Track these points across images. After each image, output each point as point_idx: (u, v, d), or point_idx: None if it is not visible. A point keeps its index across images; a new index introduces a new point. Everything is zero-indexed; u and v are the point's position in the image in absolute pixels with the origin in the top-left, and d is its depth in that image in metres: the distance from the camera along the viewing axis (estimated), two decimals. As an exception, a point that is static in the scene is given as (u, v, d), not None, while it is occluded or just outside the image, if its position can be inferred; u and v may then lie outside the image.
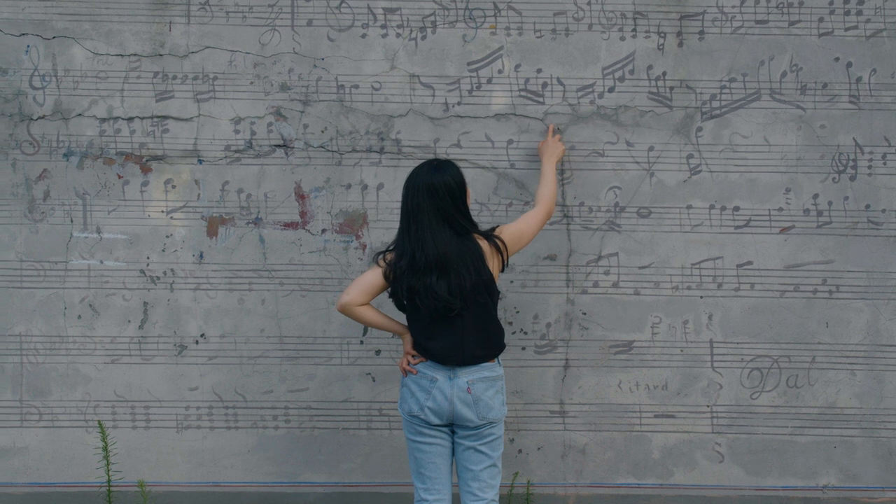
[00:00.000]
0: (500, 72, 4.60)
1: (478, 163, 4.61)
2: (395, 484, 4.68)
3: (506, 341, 4.56)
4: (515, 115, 4.61)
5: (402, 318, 3.96)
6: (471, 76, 4.61)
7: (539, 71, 4.60)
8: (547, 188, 4.19)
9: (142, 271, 4.64)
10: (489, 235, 3.85)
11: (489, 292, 3.79)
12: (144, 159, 4.62)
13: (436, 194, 3.72)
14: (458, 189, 3.78)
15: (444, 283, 3.70)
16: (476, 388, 3.79)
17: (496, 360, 3.89)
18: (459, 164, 4.54)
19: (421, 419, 3.82)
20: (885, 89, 4.57)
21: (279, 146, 4.62)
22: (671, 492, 4.68)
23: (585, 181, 4.61)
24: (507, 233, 3.92)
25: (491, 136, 4.61)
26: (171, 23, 4.59)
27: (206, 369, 4.66)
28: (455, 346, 3.78)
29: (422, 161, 4.09)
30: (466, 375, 3.79)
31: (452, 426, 3.83)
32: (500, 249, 3.84)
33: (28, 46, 4.58)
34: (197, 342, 4.65)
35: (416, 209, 3.73)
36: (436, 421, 3.81)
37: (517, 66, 4.60)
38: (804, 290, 4.62)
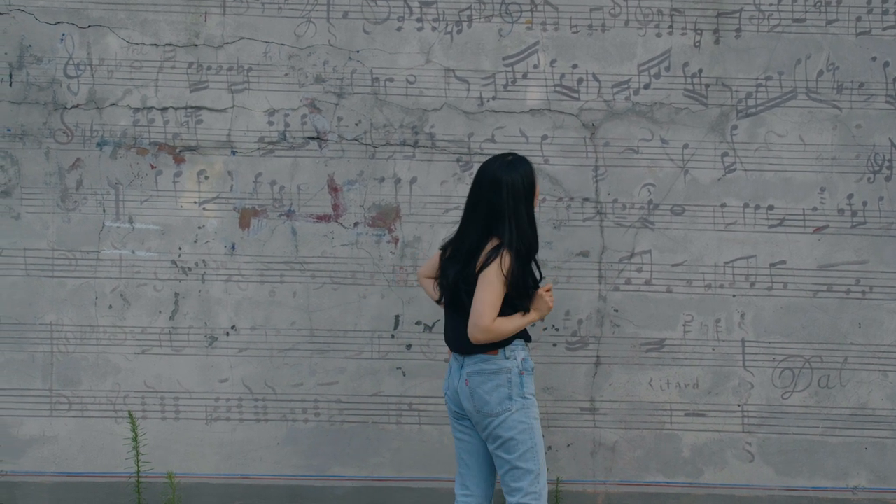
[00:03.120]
0: (535, 67, 4.59)
1: (512, 158, 4.59)
2: (424, 479, 4.67)
3: (536, 338, 4.59)
4: (550, 110, 4.59)
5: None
6: (506, 71, 4.59)
7: (574, 66, 4.59)
8: (505, 323, 3.63)
9: (173, 262, 4.63)
10: (499, 249, 3.60)
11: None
12: (178, 150, 4.61)
13: (498, 190, 3.62)
14: (523, 189, 3.64)
15: (453, 271, 3.67)
16: (472, 380, 3.68)
17: (501, 352, 3.67)
18: (493, 158, 4.55)
19: (447, 403, 3.81)
20: (922, 90, 4.56)
21: (313, 138, 4.61)
22: (701, 491, 4.66)
23: (619, 177, 4.59)
24: (487, 270, 3.59)
25: (525, 131, 4.60)
26: (206, 13, 4.58)
27: (237, 361, 4.65)
28: (453, 332, 3.74)
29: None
30: (468, 367, 3.70)
31: None
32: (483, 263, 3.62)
33: (63, 35, 4.57)
34: (227, 334, 4.64)
35: (476, 201, 3.66)
36: (452, 406, 3.78)
37: (553, 62, 4.59)
38: (837, 290, 4.60)
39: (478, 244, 3.63)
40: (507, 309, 3.64)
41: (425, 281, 3.98)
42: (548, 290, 3.73)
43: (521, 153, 4.53)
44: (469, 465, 3.84)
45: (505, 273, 3.56)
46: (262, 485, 4.67)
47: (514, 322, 3.64)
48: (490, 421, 3.67)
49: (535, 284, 3.72)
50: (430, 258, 4.00)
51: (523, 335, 3.74)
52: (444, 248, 3.80)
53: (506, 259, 3.57)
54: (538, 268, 3.77)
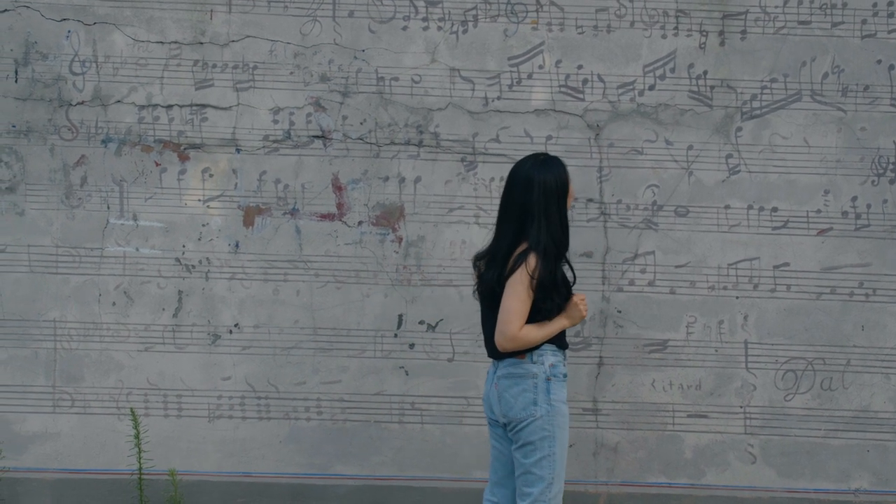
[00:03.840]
0: (540, 67, 4.59)
1: (516, 158, 4.57)
2: (426, 478, 4.67)
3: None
4: (555, 111, 4.60)
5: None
6: (511, 71, 4.60)
7: (580, 67, 4.59)
8: (533, 331, 3.60)
9: (177, 260, 4.63)
10: (525, 253, 3.57)
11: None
12: (182, 147, 4.61)
13: (530, 190, 3.57)
14: (556, 189, 3.59)
15: (490, 275, 3.64)
16: (501, 384, 3.67)
17: (528, 356, 3.62)
18: (497, 159, 4.57)
19: (484, 409, 3.78)
20: (927, 93, 4.56)
21: (317, 137, 4.61)
22: (703, 492, 4.67)
23: (623, 178, 4.60)
24: (517, 272, 3.55)
25: (530, 131, 4.60)
26: (212, 11, 4.59)
27: (240, 359, 4.65)
28: (486, 336, 3.72)
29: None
30: (500, 371, 3.68)
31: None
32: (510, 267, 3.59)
33: (69, 32, 4.58)
34: (231, 332, 4.65)
35: (508, 203, 3.60)
36: (487, 412, 3.75)
37: (558, 62, 4.59)
38: (840, 292, 4.61)
39: (511, 247, 3.58)
40: (535, 314, 3.58)
41: None
42: (582, 299, 3.68)
43: (525, 153, 4.55)
44: (497, 471, 3.79)
45: (531, 275, 3.51)
46: (265, 483, 4.67)
47: (544, 329, 3.59)
48: (515, 425, 3.63)
49: (568, 287, 3.65)
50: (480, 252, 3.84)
51: (556, 341, 3.65)
52: (476, 260, 3.73)
53: (531, 261, 3.52)
54: (571, 269, 3.70)
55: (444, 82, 4.60)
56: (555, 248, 3.57)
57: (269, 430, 4.67)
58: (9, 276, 4.62)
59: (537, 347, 3.61)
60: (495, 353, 3.68)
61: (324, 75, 4.60)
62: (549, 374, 3.62)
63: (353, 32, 4.59)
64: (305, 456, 4.68)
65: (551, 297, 3.57)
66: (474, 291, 3.74)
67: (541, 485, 3.63)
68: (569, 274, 3.68)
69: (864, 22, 4.56)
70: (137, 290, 4.63)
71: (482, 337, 4.56)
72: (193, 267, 4.64)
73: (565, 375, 3.67)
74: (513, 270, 3.54)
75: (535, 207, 3.56)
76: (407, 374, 4.66)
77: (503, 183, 4.52)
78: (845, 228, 4.60)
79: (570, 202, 3.69)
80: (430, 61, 4.60)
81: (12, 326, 4.62)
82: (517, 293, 3.53)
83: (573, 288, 3.68)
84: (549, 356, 3.63)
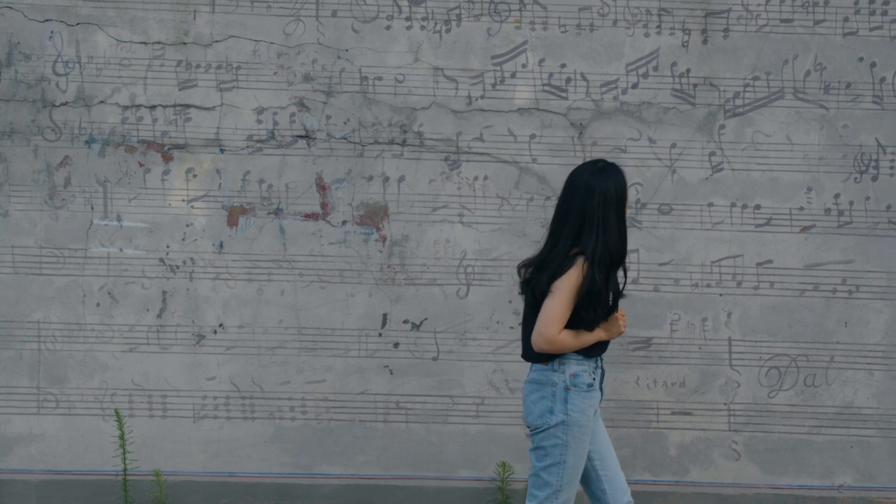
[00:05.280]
0: (523, 66, 4.60)
1: (500, 157, 4.60)
2: (410, 477, 4.68)
3: (519, 335, 4.58)
4: (538, 109, 4.60)
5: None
6: (494, 70, 4.61)
7: (563, 66, 4.60)
8: (570, 337, 3.57)
9: (161, 260, 4.63)
10: (575, 259, 3.54)
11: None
12: (166, 148, 4.61)
13: (591, 197, 3.52)
14: (615, 196, 3.54)
15: (538, 279, 3.57)
16: (525, 388, 3.66)
17: (550, 364, 3.58)
18: (481, 157, 4.57)
19: None
20: (908, 90, 4.58)
21: (301, 137, 4.62)
22: (687, 489, 4.68)
23: (607, 177, 4.60)
24: (560, 282, 3.53)
25: (513, 130, 4.61)
26: (195, 11, 4.59)
27: (224, 359, 4.65)
28: (524, 340, 3.68)
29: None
30: (529, 374, 3.67)
31: None
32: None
33: (52, 32, 4.57)
34: (215, 332, 4.65)
35: (567, 210, 3.55)
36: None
37: (541, 61, 4.60)
38: (824, 289, 4.62)
39: (566, 253, 3.53)
40: (576, 321, 3.55)
41: None
42: (622, 315, 3.65)
43: (508, 152, 4.58)
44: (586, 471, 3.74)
45: (577, 282, 3.49)
46: (249, 483, 4.67)
47: (580, 338, 3.56)
48: (532, 430, 3.62)
49: (616, 300, 3.60)
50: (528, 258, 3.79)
51: (586, 349, 3.59)
52: (521, 268, 3.69)
53: (580, 269, 3.49)
54: (625, 275, 3.64)
55: (427, 81, 4.61)
56: (608, 258, 3.52)
57: (253, 429, 4.67)
58: (-7, 277, 4.62)
59: (561, 356, 3.57)
60: (526, 356, 3.68)
61: (307, 75, 4.60)
62: (568, 384, 3.57)
63: (336, 32, 4.59)
64: (290, 456, 4.68)
65: (594, 307, 3.54)
66: (521, 293, 3.69)
67: (547, 490, 3.60)
68: (621, 279, 3.62)
69: (845, 20, 4.58)
70: (122, 290, 4.63)
71: (465, 336, 4.59)
72: (178, 267, 4.63)
73: (590, 385, 3.59)
74: (560, 275, 3.51)
75: (594, 215, 3.51)
76: (391, 374, 4.66)
77: (487, 181, 4.58)
78: (828, 225, 4.61)
79: (627, 208, 3.66)
80: (413, 61, 4.60)
81: (-4, 327, 4.63)
82: (561, 297, 3.50)
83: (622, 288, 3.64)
84: (573, 365, 3.58)
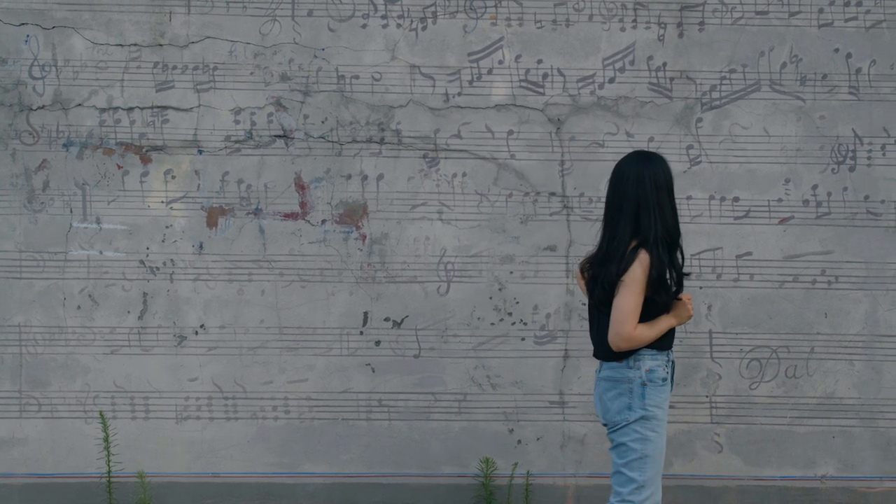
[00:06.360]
0: (500, 62, 4.61)
1: (478, 154, 4.61)
2: (394, 475, 4.68)
3: (504, 332, 4.61)
4: (516, 105, 4.61)
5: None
6: (471, 67, 4.61)
7: (539, 61, 4.61)
8: (647, 330, 3.59)
9: (141, 262, 4.63)
10: (638, 250, 3.56)
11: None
12: (144, 150, 4.61)
13: (642, 184, 3.56)
14: (665, 181, 3.60)
15: (606, 272, 3.58)
16: (600, 386, 3.68)
17: (625, 361, 3.60)
18: (459, 154, 4.58)
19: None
20: (884, 80, 4.58)
21: (279, 137, 4.62)
22: (670, 482, 4.66)
23: (585, 172, 4.61)
24: (630, 272, 3.55)
25: (491, 126, 4.61)
26: (171, 13, 4.59)
27: (206, 360, 4.66)
28: (595, 337, 3.70)
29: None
30: (602, 373, 3.68)
31: None
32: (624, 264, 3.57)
33: (28, 36, 4.57)
34: (196, 333, 4.65)
35: (621, 200, 3.59)
36: (596, 411, 3.75)
37: (517, 57, 4.61)
38: (803, 280, 4.63)
39: (628, 241, 3.56)
40: (644, 311, 3.57)
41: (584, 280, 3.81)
42: (689, 298, 3.70)
43: (486, 148, 4.58)
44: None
45: (645, 273, 3.51)
46: (233, 483, 4.68)
47: (656, 328, 3.59)
48: (611, 427, 3.65)
49: (680, 282, 3.64)
50: (587, 255, 3.81)
51: (657, 342, 3.61)
52: (583, 268, 3.71)
53: (644, 259, 3.52)
54: (682, 255, 3.66)
55: (404, 79, 4.61)
56: (669, 238, 3.59)
57: (236, 430, 4.67)
58: (-27, 281, 4.62)
59: (635, 352, 3.59)
60: (600, 354, 3.68)
61: (284, 75, 4.60)
62: (644, 380, 3.60)
63: (312, 31, 4.60)
64: (274, 455, 4.68)
65: (661, 293, 3.57)
66: (590, 297, 3.68)
67: (631, 486, 3.63)
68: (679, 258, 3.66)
69: (820, 11, 4.58)
70: (102, 293, 4.63)
71: (446, 333, 4.60)
72: (158, 269, 4.64)
73: (664, 380, 3.62)
74: (626, 268, 3.53)
75: (649, 200, 3.57)
76: (373, 372, 4.66)
77: (466, 178, 4.59)
78: (806, 217, 4.62)
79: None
80: (390, 59, 4.61)
81: (-23, 332, 4.63)
82: (631, 291, 3.52)
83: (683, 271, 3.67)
84: (647, 360, 3.61)
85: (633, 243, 3.57)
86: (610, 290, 3.57)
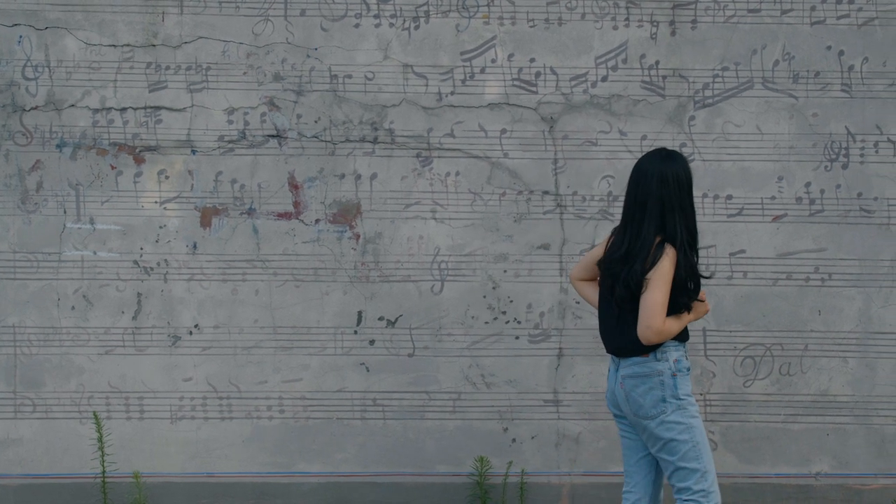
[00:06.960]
0: (493, 61, 4.61)
1: (471, 152, 4.61)
2: (389, 474, 4.69)
3: (498, 331, 4.62)
4: (509, 104, 4.61)
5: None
6: (464, 66, 4.61)
7: (532, 60, 4.61)
8: (674, 323, 3.60)
9: (135, 262, 4.63)
10: (663, 246, 3.56)
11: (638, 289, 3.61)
12: (138, 150, 4.61)
13: (666, 184, 3.56)
14: (686, 180, 3.61)
15: (626, 270, 3.57)
16: (627, 383, 3.64)
17: (652, 355, 3.59)
18: (453, 153, 4.59)
19: (607, 404, 3.78)
20: (876, 78, 4.58)
21: (273, 136, 4.62)
22: (665, 480, 4.68)
23: (578, 170, 4.62)
24: (657, 269, 3.55)
25: (484, 125, 4.62)
26: (164, 13, 4.59)
27: (200, 360, 4.66)
28: (610, 334, 3.70)
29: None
30: (623, 369, 3.65)
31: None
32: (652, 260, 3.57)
33: (20, 37, 4.57)
34: (191, 333, 4.65)
35: (644, 199, 3.57)
36: (611, 408, 3.75)
37: (510, 56, 4.61)
38: (797, 278, 4.64)
39: (653, 241, 3.56)
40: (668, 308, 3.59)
41: (580, 284, 3.88)
42: (703, 294, 3.72)
43: (479, 147, 4.59)
44: (629, 461, 3.78)
45: (673, 266, 3.53)
46: (228, 483, 4.68)
47: (680, 321, 3.61)
48: (647, 423, 3.61)
49: (699, 282, 3.65)
50: (582, 260, 3.88)
51: (679, 335, 3.65)
52: (607, 261, 3.69)
53: (672, 253, 3.53)
54: (697, 255, 3.66)
55: (397, 79, 4.61)
56: (691, 240, 3.61)
57: (231, 429, 4.68)
58: (-33, 282, 4.63)
59: (662, 345, 3.60)
60: (620, 351, 3.67)
61: (277, 75, 4.61)
62: (674, 370, 3.60)
63: (305, 31, 4.60)
64: (268, 455, 4.69)
65: (686, 291, 3.60)
66: (607, 294, 3.69)
67: (695, 476, 3.61)
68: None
69: (812, 9, 4.59)
70: (96, 293, 4.63)
71: (441, 332, 4.60)
72: (152, 269, 4.64)
73: (688, 369, 3.64)
74: (654, 265, 3.53)
75: (673, 200, 3.57)
76: (368, 371, 4.67)
77: (459, 177, 4.59)
78: (800, 214, 4.63)
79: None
80: (382, 58, 4.61)
81: (-29, 333, 4.63)
82: (660, 286, 3.53)
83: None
84: (673, 352, 3.62)
85: (658, 239, 3.56)
86: (636, 287, 3.56)
